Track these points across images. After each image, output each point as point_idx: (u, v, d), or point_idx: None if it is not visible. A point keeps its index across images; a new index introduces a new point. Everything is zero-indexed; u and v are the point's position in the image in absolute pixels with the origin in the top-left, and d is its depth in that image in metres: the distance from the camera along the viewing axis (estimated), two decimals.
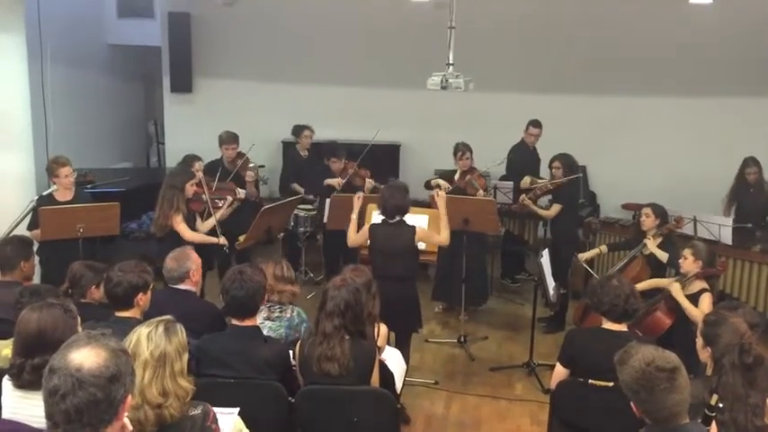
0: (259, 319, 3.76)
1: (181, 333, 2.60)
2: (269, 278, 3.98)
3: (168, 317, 2.65)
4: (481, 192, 6.60)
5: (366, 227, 5.13)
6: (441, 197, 5.27)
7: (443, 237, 5.12)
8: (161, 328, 2.54)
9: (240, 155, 6.89)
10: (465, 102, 8.09)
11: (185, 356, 2.59)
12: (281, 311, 3.98)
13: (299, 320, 4.01)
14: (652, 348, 2.50)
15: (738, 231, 6.30)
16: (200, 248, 5.13)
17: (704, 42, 8.15)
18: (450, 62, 5.62)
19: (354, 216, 5.20)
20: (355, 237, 5.14)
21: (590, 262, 6.04)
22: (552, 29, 8.54)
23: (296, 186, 7.48)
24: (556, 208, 6.49)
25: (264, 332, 3.68)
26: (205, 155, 6.67)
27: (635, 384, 2.42)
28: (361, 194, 5.41)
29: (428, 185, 6.88)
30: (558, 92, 8.53)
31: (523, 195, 6.54)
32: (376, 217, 5.26)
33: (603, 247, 6.24)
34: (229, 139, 6.89)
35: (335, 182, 7.03)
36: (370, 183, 7.00)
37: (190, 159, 6.32)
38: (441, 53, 5.70)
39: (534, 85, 8.54)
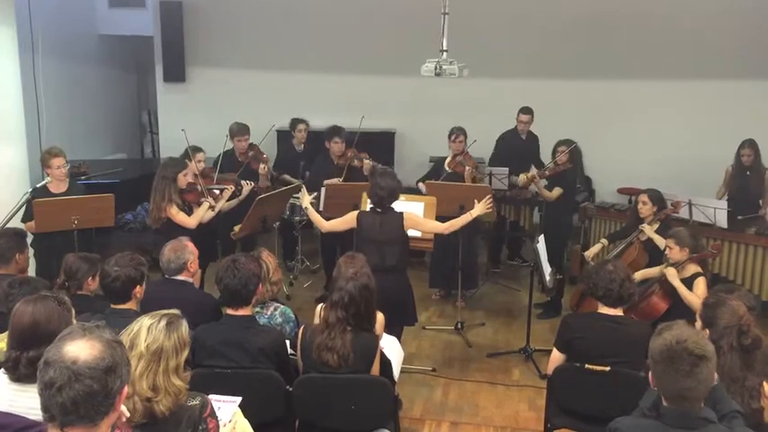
0: None
1: (183, 329, 2.55)
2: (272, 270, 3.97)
3: (175, 311, 2.60)
4: (469, 168, 6.58)
5: (353, 213, 4.96)
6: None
7: (437, 224, 5.02)
8: (163, 323, 2.50)
9: (252, 146, 6.75)
10: (459, 88, 8.06)
11: (184, 354, 2.53)
12: (261, 308, 3.89)
13: (283, 320, 3.91)
14: (694, 331, 2.43)
15: (732, 215, 6.31)
16: (202, 240, 5.10)
17: (700, 25, 8.12)
18: (444, 48, 5.58)
19: (306, 205, 5.18)
20: (329, 224, 5.03)
21: (596, 256, 5.96)
22: (547, 14, 8.49)
23: (286, 177, 7.42)
24: (558, 191, 6.55)
25: None
26: (198, 143, 6.60)
27: (658, 355, 2.36)
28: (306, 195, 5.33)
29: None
30: (552, 77, 8.50)
31: (532, 174, 6.55)
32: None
33: (604, 241, 6.09)
34: (240, 130, 6.71)
35: (335, 182, 6.82)
36: (368, 163, 6.84)
37: (192, 150, 6.04)
38: (434, 39, 5.67)
39: (529, 71, 8.51)
